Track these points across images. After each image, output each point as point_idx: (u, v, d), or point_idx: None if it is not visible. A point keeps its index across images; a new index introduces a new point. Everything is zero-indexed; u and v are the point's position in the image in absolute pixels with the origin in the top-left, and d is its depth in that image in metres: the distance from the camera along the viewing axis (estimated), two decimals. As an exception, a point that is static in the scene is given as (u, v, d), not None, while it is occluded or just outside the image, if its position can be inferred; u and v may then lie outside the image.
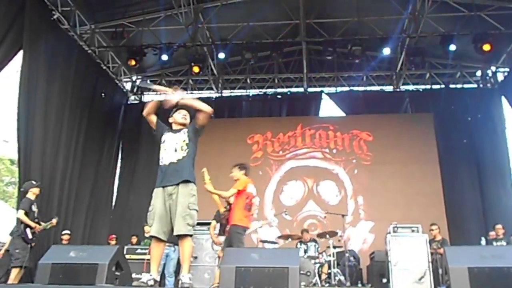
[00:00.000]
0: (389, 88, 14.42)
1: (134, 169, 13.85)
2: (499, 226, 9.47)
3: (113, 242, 10.85)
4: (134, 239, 10.78)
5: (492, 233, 9.58)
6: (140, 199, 13.12)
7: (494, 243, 9.15)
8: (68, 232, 10.07)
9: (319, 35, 12.15)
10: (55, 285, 4.54)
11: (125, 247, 9.58)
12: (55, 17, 10.65)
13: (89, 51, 12.12)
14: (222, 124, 13.87)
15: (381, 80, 14.48)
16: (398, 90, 14.16)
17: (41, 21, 9.95)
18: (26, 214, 7.50)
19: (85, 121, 11.87)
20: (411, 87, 14.33)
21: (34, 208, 7.71)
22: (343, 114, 14.18)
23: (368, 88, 14.50)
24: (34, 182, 7.96)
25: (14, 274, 7.35)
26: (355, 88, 14.49)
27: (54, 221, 8.20)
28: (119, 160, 14.12)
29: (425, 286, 7.53)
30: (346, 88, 14.53)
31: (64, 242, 9.76)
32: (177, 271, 7.53)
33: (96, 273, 4.64)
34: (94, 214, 12.29)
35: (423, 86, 14.28)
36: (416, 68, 13.20)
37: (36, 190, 7.85)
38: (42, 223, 7.89)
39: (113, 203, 13.50)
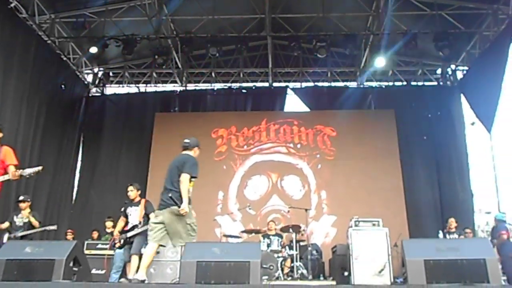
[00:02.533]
0: (353, 84, 14.58)
1: (95, 163, 13.55)
2: (451, 219, 9.77)
3: (70, 237, 10.57)
4: (95, 234, 10.56)
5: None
6: (102, 194, 12.90)
7: (447, 236, 9.41)
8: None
9: (284, 30, 12.17)
10: (8, 282, 4.40)
11: (85, 242, 9.39)
12: (12, 5, 10.25)
13: (49, 42, 11.76)
14: (186, 118, 13.80)
15: (345, 76, 14.63)
16: (361, 86, 14.35)
17: (-3, 9, 9.60)
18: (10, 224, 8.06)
19: (44, 113, 11.54)
20: (374, 84, 14.55)
21: (15, 218, 8.11)
22: (308, 109, 14.22)
23: (333, 84, 14.60)
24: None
25: None
26: (320, 84, 14.60)
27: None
28: (80, 154, 13.79)
29: (384, 279, 7.65)
30: (310, 84, 14.62)
31: (21, 237, 9.51)
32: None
33: (53, 269, 4.55)
34: (53, 210, 12.00)
35: (385, 83, 14.50)
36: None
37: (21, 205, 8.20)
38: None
39: (74, 198, 13.20)
